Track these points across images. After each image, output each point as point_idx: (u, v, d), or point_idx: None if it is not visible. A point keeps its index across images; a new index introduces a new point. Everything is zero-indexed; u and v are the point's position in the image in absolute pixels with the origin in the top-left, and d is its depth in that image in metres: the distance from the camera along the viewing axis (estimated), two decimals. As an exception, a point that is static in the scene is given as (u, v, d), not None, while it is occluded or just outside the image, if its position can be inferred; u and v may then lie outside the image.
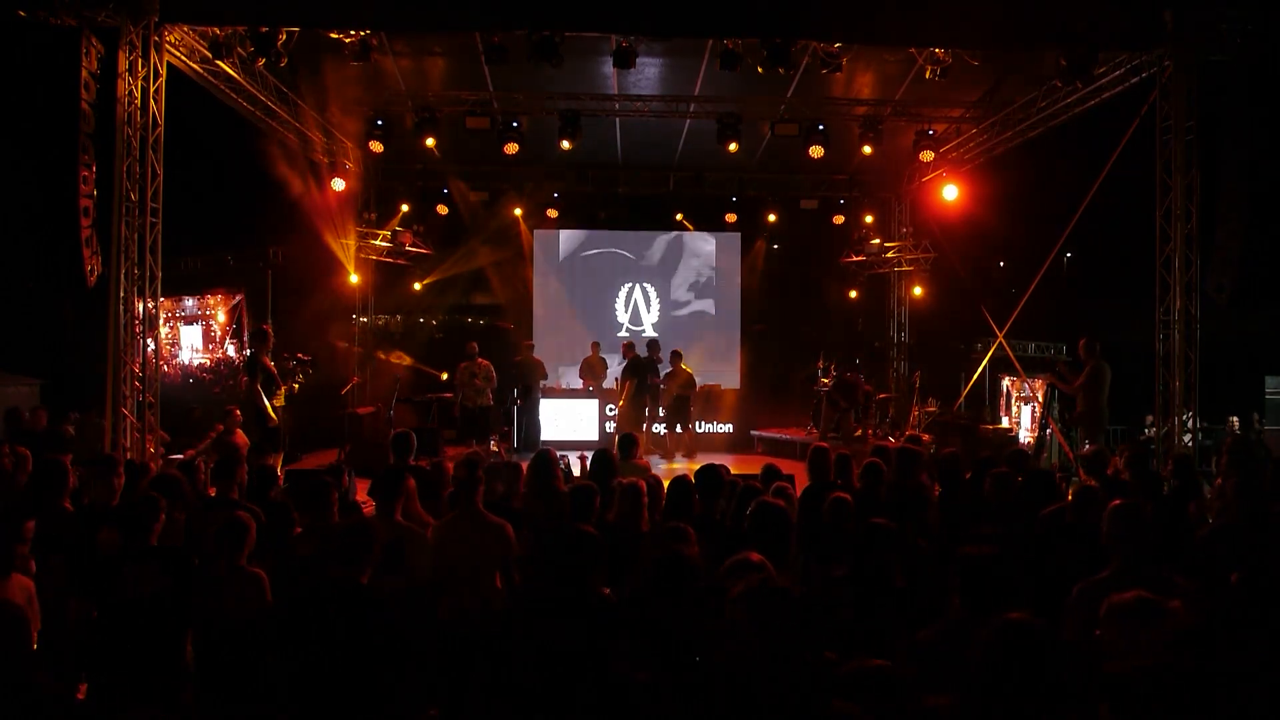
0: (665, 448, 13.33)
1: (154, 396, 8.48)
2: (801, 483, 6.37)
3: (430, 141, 11.34)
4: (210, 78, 9.29)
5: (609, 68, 9.77)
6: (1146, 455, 6.55)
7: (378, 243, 14.21)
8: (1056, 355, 13.05)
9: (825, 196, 15.20)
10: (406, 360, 14.00)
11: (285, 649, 3.46)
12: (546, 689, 3.14)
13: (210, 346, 14.33)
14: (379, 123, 11.43)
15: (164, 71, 8.31)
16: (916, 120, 11.84)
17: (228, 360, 14.10)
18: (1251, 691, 2.29)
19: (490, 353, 13.49)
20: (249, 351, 10.14)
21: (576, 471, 7.14)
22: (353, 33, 8.77)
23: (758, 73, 8.89)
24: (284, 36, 8.59)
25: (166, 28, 8.27)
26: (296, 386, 10.49)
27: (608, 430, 13.42)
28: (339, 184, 12.45)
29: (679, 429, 13.39)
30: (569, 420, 13.73)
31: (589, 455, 6.46)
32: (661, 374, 13.44)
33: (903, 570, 3.90)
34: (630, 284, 16.22)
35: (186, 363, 14.29)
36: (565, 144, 11.27)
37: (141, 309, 8.33)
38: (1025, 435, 12.40)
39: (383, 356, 14.22)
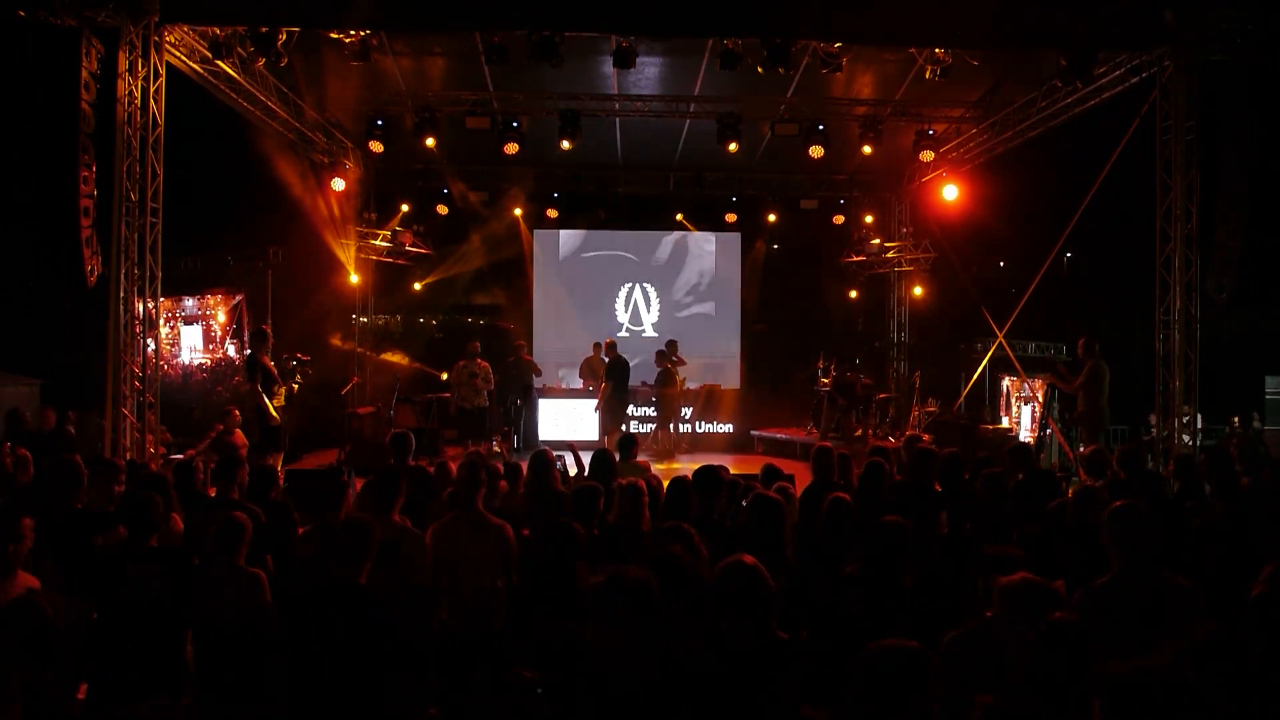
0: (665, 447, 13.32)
1: (154, 396, 8.48)
2: (802, 482, 6.37)
3: (430, 141, 11.34)
4: (210, 78, 9.29)
5: (609, 68, 9.77)
6: (1141, 454, 6.55)
7: (378, 243, 14.21)
8: (1056, 355, 13.05)
9: (825, 196, 15.19)
10: (400, 359, 14.00)
11: (285, 649, 3.46)
12: (546, 688, 3.14)
13: (210, 346, 14.32)
14: (379, 123, 11.42)
15: (164, 71, 8.31)
16: (916, 120, 11.84)
17: (228, 360, 14.10)
18: (1249, 693, 2.30)
19: (490, 353, 13.50)
20: (248, 352, 10.14)
21: (573, 470, 7.13)
22: (353, 33, 8.77)
23: (758, 73, 8.89)
24: (284, 36, 8.59)
25: (166, 28, 8.27)
26: (296, 387, 10.49)
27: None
28: (339, 184, 12.45)
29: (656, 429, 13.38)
30: (569, 420, 13.73)
31: (585, 452, 6.47)
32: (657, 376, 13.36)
33: (911, 569, 3.91)
34: (630, 284, 16.22)
35: (186, 363, 14.28)
36: (565, 144, 11.26)
37: (141, 309, 8.33)
38: (1025, 435, 12.40)
39: (372, 354, 14.21)
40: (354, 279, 14.16)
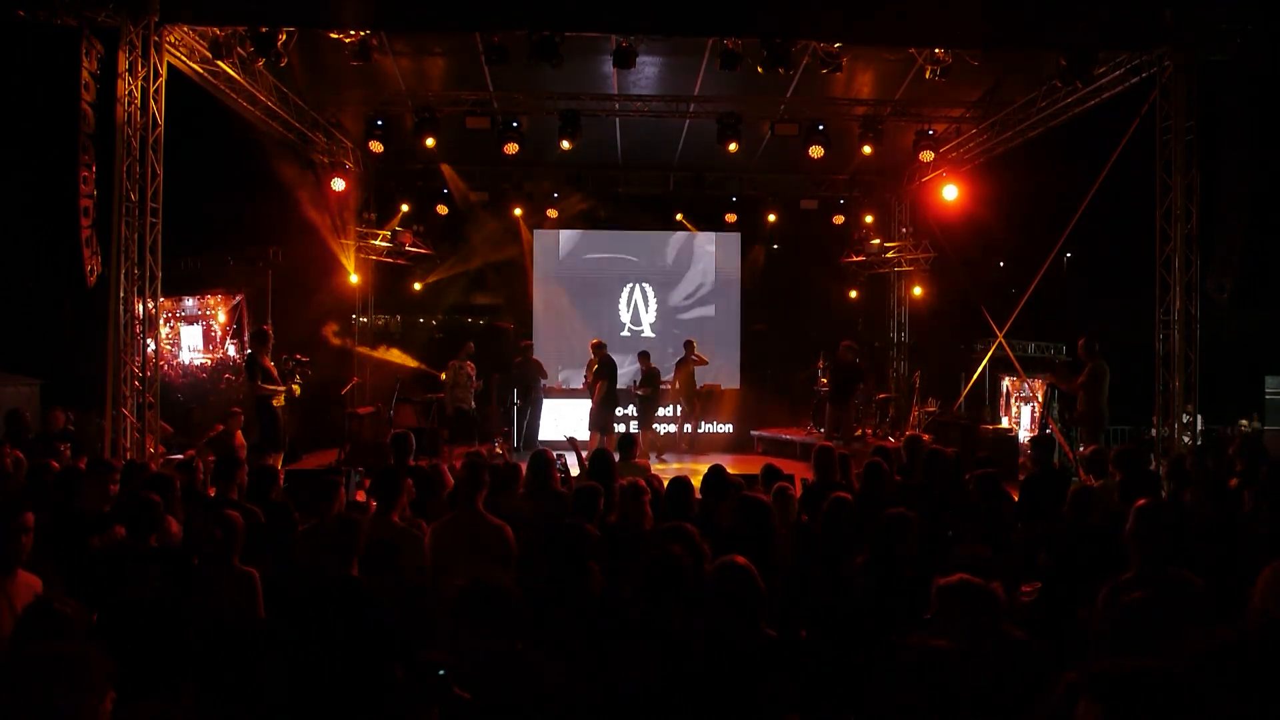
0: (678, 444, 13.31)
1: (154, 396, 8.48)
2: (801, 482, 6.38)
3: (430, 141, 11.34)
4: (210, 78, 9.29)
5: (609, 68, 9.77)
6: (1140, 455, 6.55)
7: (378, 243, 14.21)
8: (1056, 355, 13.05)
9: (825, 196, 15.20)
10: (397, 356, 14.00)
11: (285, 648, 3.46)
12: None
13: (210, 347, 14.32)
14: (379, 123, 11.42)
15: (164, 71, 8.31)
16: (916, 120, 11.84)
17: (228, 360, 14.09)
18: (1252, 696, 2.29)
19: (490, 353, 13.51)
20: (248, 352, 10.15)
21: (574, 470, 7.13)
22: (353, 33, 8.77)
23: (758, 73, 8.89)
24: (284, 36, 8.59)
25: (166, 28, 8.27)
26: (296, 388, 10.50)
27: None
28: (339, 184, 12.45)
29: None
30: (569, 420, 13.72)
31: (584, 451, 6.47)
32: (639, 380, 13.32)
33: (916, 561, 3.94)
34: (630, 284, 16.21)
35: (186, 363, 14.28)
36: (565, 144, 11.27)
37: (141, 309, 8.33)
38: (1025, 435, 12.40)
39: (366, 351, 14.20)
40: (354, 279, 14.16)
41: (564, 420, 13.76)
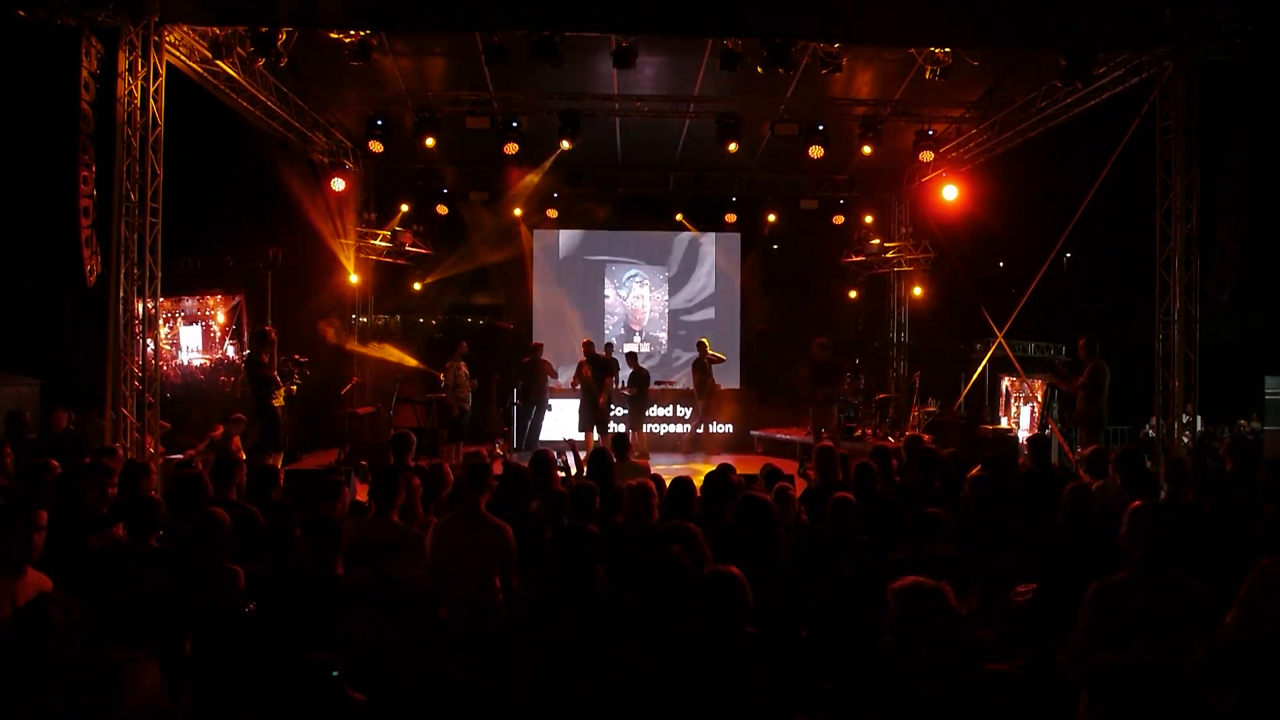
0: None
1: (154, 396, 8.48)
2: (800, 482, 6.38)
3: (430, 141, 11.34)
4: (210, 78, 9.29)
5: (609, 67, 9.77)
6: (1137, 455, 6.54)
7: (378, 243, 14.21)
8: (1056, 355, 13.05)
9: (825, 196, 15.19)
10: (394, 354, 13.99)
11: (283, 647, 3.46)
12: (546, 689, 3.15)
13: (210, 347, 14.33)
14: (379, 123, 11.42)
15: (164, 71, 8.31)
16: (916, 120, 11.84)
17: (226, 361, 14.10)
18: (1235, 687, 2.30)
19: (490, 353, 13.50)
20: (247, 353, 10.15)
21: (573, 470, 7.13)
22: (353, 33, 8.77)
23: (758, 73, 8.89)
24: (284, 36, 8.59)
25: (166, 28, 8.26)
26: (295, 388, 10.50)
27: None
28: (339, 184, 12.44)
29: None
30: (570, 420, 13.71)
31: (583, 450, 6.48)
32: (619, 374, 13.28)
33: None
34: (630, 284, 16.22)
35: (185, 363, 14.28)
36: (565, 144, 11.27)
37: (141, 309, 8.32)
38: (1025, 435, 12.40)
39: (366, 350, 14.19)
40: (354, 279, 14.16)
41: (563, 420, 13.74)
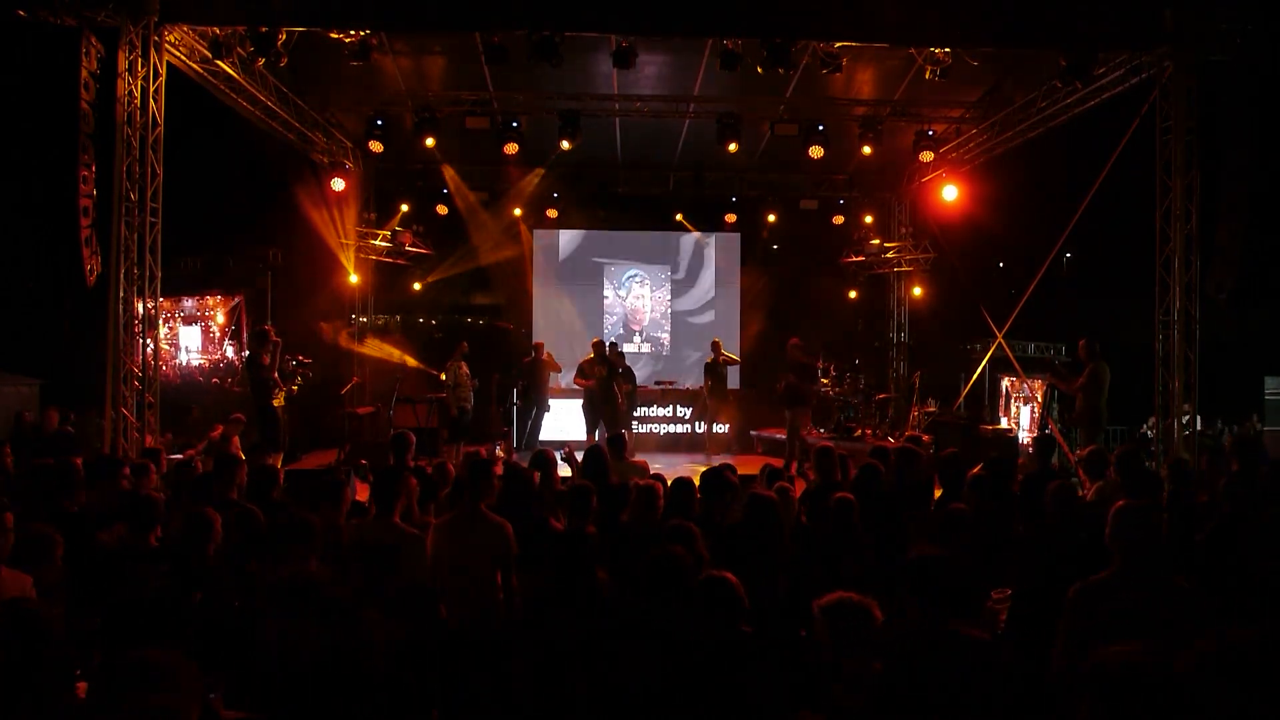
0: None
1: (154, 396, 8.48)
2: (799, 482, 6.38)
3: (430, 141, 11.34)
4: (210, 78, 9.29)
5: (609, 67, 9.77)
6: (1138, 455, 6.54)
7: (378, 243, 14.21)
8: (1056, 355, 13.05)
9: (825, 196, 15.19)
10: (391, 352, 13.99)
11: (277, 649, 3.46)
12: (546, 689, 3.15)
13: (209, 348, 14.33)
14: (379, 123, 11.41)
15: (164, 71, 8.31)
16: (916, 120, 11.84)
17: (226, 361, 14.10)
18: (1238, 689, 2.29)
19: (490, 353, 13.49)
20: (247, 353, 10.15)
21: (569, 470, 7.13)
22: (353, 33, 8.77)
23: (758, 73, 8.88)
24: (284, 36, 8.58)
25: (166, 27, 8.26)
26: (295, 388, 10.50)
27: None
28: (339, 184, 12.44)
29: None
30: (570, 420, 13.71)
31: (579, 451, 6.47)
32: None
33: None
34: (629, 284, 16.22)
35: (185, 363, 14.29)
36: (565, 144, 11.26)
37: (141, 309, 8.32)
38: (1025, 435, 12.41)
39: (366, 350, 14.19)
40: (354, 279, 14.16)
41: (562, 419, 13.73)
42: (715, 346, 13.44)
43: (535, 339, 14.45)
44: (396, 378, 13.07)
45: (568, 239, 16.11)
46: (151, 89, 8.21)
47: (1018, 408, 12.98)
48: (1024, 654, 3.45)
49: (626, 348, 14.49)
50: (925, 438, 11.21)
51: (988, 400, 13.35)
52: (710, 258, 16.31)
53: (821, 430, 13.83)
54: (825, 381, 14.04)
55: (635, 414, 13.71)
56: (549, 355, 13.36)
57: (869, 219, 15.48)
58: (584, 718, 3.20)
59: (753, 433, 14.52)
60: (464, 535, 4.59)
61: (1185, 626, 2.99)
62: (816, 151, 11.26)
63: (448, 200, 14.60)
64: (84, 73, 7.96)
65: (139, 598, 3.36)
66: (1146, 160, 9.04)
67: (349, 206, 13.59)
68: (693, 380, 15.04)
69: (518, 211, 15.01)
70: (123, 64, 8.05)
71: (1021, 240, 13.38)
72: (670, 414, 14.49)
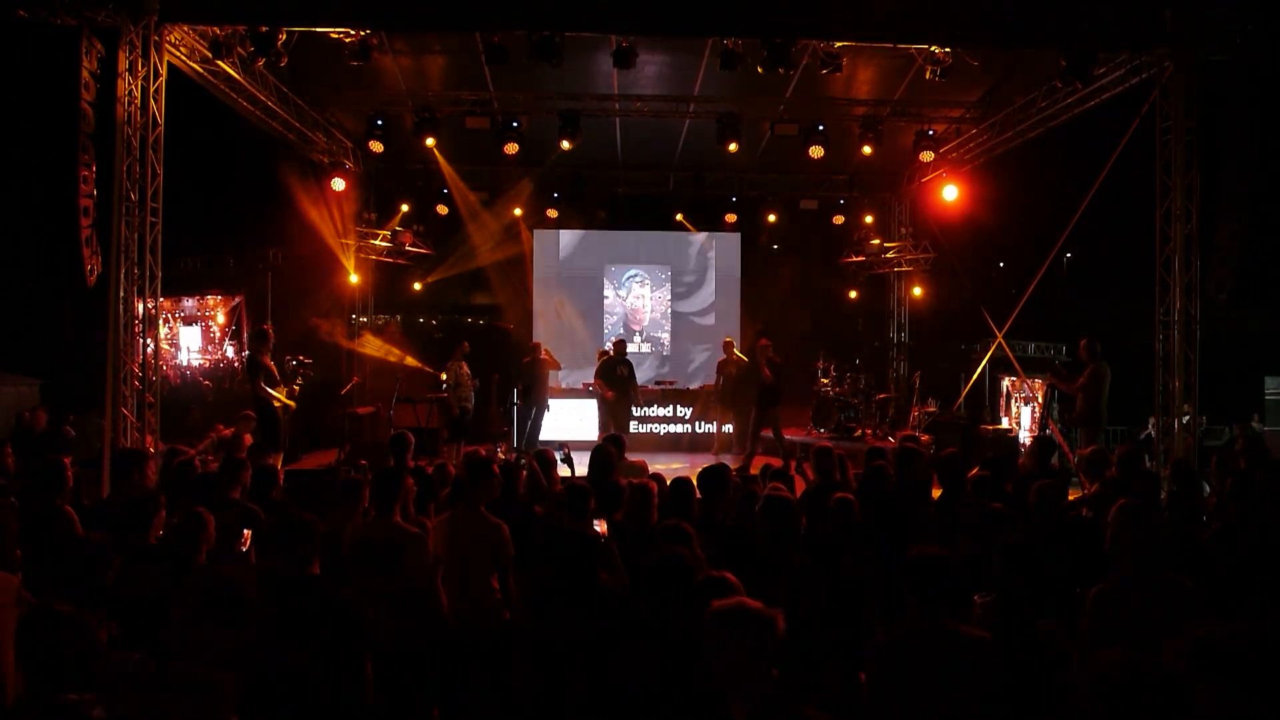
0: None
1: (154, 396, 8.47)
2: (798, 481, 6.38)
3: (430, 141, 11.34)
4: (210, 78, 9.29)
5: (609, 67, 9.77)
6: (1139, 456, 6.54)
7: (378, 243, 14.21)
8: (1056, 355, 13.04)
9: (825, 196, 15.19)
10: (389, 352, 13.99)
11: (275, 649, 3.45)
12: (546, 689, 3.15)
13: (209, 348, 14.33)
14: (379, 123, 11.42)
15: (164, 71, 8.30)
16: (916, 120, 11.84)
17: (226, 361, 14.10)
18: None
19: (490, 353, 13.49)
20: (247, 353, 10.15)
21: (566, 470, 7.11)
22: (353, 33, 8.77)
23: (758, 73, 8.89)
24: (284, 36, 8.58)
25: (166, 27, 8.25)
26: (296, 388, 10.49)
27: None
28: (339, 184, 12.44)
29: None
30: (570, 420, 13.70)
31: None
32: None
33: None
34: (629, 284, 16.22)
35: (185, 363, 14.29)
36: (565, 144, 11.26)
37: (141, 309, 8.32)
38: (1025, 435, 12.40)
39: (366, 350, 14.19)
40: (354, 279, 14.16)
41: (562, 419, 13.72)
42: (727, 346, 13.42)
43: (534, 339, 14.43)
44: (396, 378, 13.07)
45: (568, 239, 16.10)
46: (151, 89, 8.21)
47: (1018, 408, 12.97)
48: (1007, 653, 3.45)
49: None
50: (925, 438, 11.21)
51: (988, 400, 13.34)
52: (710, 258, 16.30)
53: (821, 430, 13.84)
54: (825, 381, 14.06)
55: (635, 414, 13.70)
56: (548, 353, 13.35)
57: (869, 219, 15.48)
58: (584, 718, 3.20)
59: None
60: (463, 535, 4.59)
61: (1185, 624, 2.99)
62: (816, 151, 11.26)
63: (448, 200, 14.60)
64: (84, 73, 7.96)
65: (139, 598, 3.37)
66: (1146, 160, 9.04)
67: (349, 206, 13.59)
68: (694, 381, 15.06)
69: (518, 211, 15.00)
70: (123, 64, 8.04)
71: (1021, 240, 13.38)
72: (670, 414, 14.47)
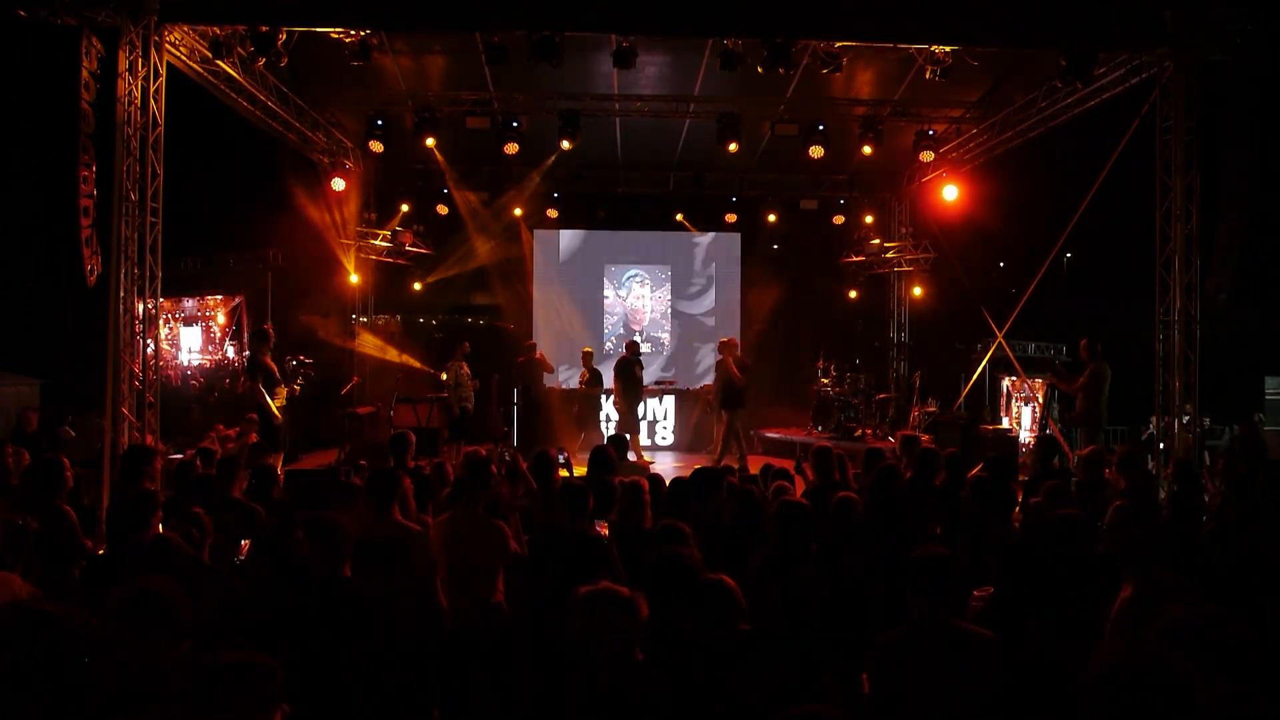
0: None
1: (154, 396, 8.47)
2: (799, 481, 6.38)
3: (430, 141, 11.33)
4: (210, 78, 9.29)
5: (609, 67, 9.77)
6: (1140, 457, 6.53)
7: (378, 243, 14.20)
8: (1056, 355, 13.04)
9: (825, 196, 15.19)
10: (382, 348, 13.99)
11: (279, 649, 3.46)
12: (546, 689, 3.15)
13: (210, 348, 14.32)
14: (379, 123, 11.42)
15: (164, 71, 8.30)
16: (916, 120, 11.84)
17: (227, 362, 14.10)
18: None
19: (490, 353, 13.47)
20: (248, 353, 10.14)
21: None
22: (353, 32, 8.77)
23: (758, 73, 8.89)
24: (284, 36, 8.58)
25: (166, 27, 8.25)
26: (298, 388, 10.49)
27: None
28: (339, 184, 12.44)
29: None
30: (568, 420, 13.69)
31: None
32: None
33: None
34: (629, 284, 16.22)
35: (185, 364, 14.28)
36: (565, 144, 11.27)
37: (141, 309, 8.32)
38: (1025, 435, 12.40)
39: (366, 350, 14.18)
40: (354, 279, 14.16)
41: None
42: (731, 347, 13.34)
43: (534, 339, 14.43)
44: (396, 378, 13.07)
45: (568, 239, 16.10)
46: (151, 89, 8.20)
47: (1018, 408, 12.97)
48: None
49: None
50: (925, 438, 11.20)
51: (988, 400, 13.34)
52: (710, 258, 16.30)
53: (820, 429, 13.84)
54: (825, 381, 14.07)
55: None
56: (541, 354, 13.35)
57: (869, 219, 15.48)
58: (584, 717, 3.20)
59: (753, 432, 14.52)
60: (462, 535, 4.59)
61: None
62: (816, 151, 11.26)
63: (448, 200, 14.60)
64: (84, 73, 7.96)
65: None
66: (1146, 160, 9.03)
67: (349, 206, 13.59)
68: (694, 381, 15.06)
69: (518, 211, 15.00)
70: (123, 64, 8.04)
71: (1021, 240, 13.37)
72: (670, 414, 14.48)
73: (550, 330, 15.68)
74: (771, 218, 15.16)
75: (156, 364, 8.69)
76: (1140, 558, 3.35)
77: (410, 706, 3.21)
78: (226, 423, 10.87)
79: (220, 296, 14.32)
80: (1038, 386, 12.28)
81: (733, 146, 11.31)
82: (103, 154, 8.13)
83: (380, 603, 3.53)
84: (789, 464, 9.82)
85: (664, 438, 14.36)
